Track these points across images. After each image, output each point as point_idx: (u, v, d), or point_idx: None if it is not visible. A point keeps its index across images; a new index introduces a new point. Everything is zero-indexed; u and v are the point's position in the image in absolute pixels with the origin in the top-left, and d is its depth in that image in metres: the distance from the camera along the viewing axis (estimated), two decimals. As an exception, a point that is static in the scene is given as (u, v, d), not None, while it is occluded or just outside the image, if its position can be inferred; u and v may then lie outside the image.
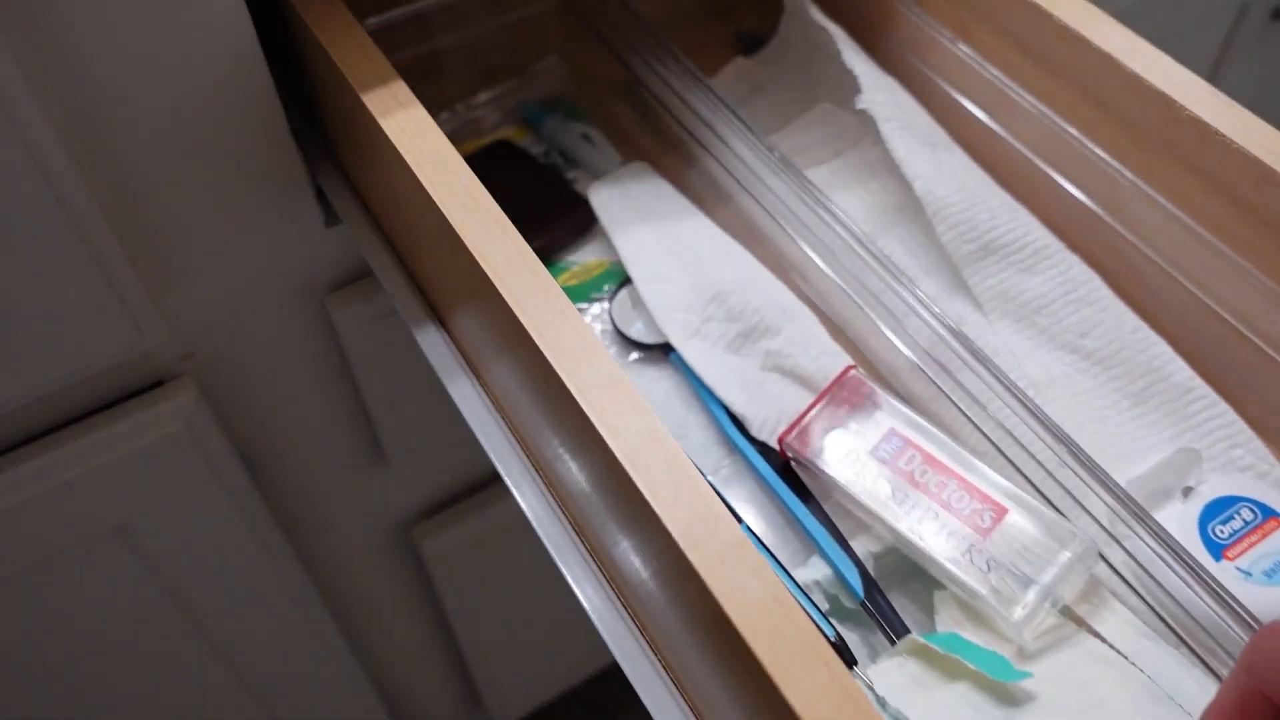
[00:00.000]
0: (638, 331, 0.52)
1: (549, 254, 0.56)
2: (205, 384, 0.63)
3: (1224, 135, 0.44)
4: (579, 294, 0.55)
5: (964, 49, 0.55)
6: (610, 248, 0.55)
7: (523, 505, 0.44)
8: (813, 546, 0.44)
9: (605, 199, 0.56)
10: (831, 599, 0.43)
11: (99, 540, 0.64)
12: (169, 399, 0.61)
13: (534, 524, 0.43)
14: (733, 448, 0.48)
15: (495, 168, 0.56)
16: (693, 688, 0.37)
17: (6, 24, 0.44)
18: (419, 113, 0.43)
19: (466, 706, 1.09)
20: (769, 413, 0.48)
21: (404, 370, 0.69)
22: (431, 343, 0.49)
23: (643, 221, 0.55)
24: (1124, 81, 0.47)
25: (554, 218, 0.56)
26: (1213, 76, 1.09)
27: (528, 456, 0.45)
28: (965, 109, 0.56)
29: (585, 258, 0.56)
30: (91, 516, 0.63)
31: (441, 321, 0.50)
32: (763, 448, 0.47)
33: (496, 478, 0.82)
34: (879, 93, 0.54)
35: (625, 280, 0.54)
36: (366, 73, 0.45)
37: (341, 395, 0.71)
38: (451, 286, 0.46)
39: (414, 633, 0.96)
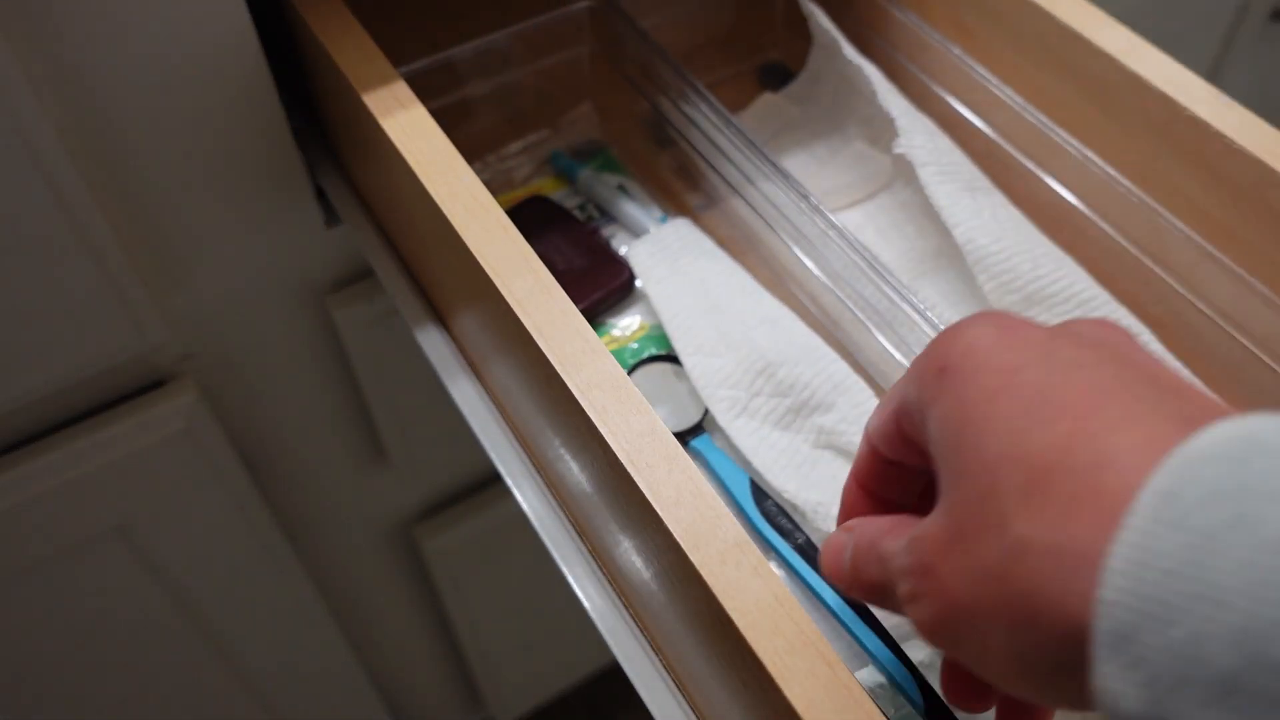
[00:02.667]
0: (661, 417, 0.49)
1: (589, 318, 0.52)
2: (206, 384, 0.63)
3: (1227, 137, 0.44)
4: (620, 360, 0.51)
5: (960, 52, 0.55)
6: (652, 310, 0.53)
7: (523, 505, 0.44)
8: (865, 653, 0.41)
9: (646, 261, 0.53)
10: (900, 706, 0.39)
11: (100, 540, 0.64)
12: (170, 399, 0.61)
13: (535, 524, 0.43)
14: (766, 543, 0.45)
15: (531, 225, 0.53)
16: (694, 687, 0.37)
17: (8, 25, 0.44)
18: (419, 113, 0.43)
19: (467, 706, 1.09)
20: (822, 497, 0.44)
21: (405, 370, 0.69)
22: (432, 343, 0.49)
23: (685, 286, 0.52)
24: (1125, 81, 0.47)
25: (594, 280, 0.53)
26: (1213, 76, 1.09)
27: (528, 456, 0.45)
28: (963, 116, 0.56)
29: (626, 319, 0.53)
30: (92, 516, 0.63)
31: (442, 321, 0.50)
32: (800, 547, 0.43)
33: (497, 478, 0.82)
34: (917, 136, 0.52)
35: (643, 360, 0.51)
36: (367, 73, 0.45)
37: (342, 395, 0.71)
38: (452, 287, 0.46)
39: (415, 632, 0.96)
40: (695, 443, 0.47)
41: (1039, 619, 0.23)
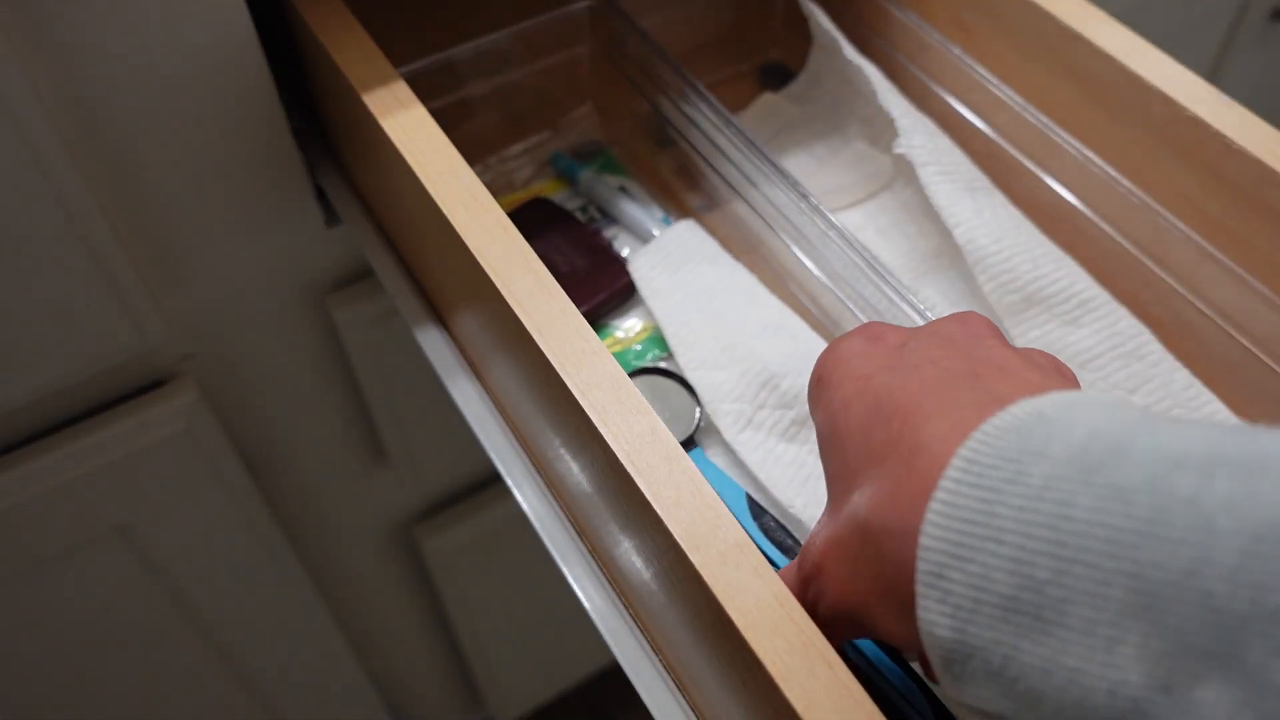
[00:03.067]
0: None
1: (592, 320, 0.52)
2: (206, 384, 0.63)
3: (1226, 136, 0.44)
4: (622, 363, 0.51)
5: (960, 52, 0.55)
6: (653, 316, 0.52)
7: (523, 505, 0.44)
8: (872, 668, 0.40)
9: (647, 273, 0.53)
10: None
11: (100, 540, 0.64)
12: (170, 399, 0.61)
13: (535, 524, 0.43)
14: (800, 535, 0.44)
15: (533, 227, 0.52)
16: (694, 688, 0.37)
17: (8, 25, 0.44)
18: (419, 113, 0.43)
19: (467, 706, 1.09)
20: None
21: (405, 370, 0.69)
22: (432, 343, 0.49)
23: (687, 297, 0.52)
24: (1125, 81, 0.47)
25: (596, 282, 0.53)
26: (1213, 76, 1.09)
27: (529, 457, 0.45)
28: (963, 116, 0.56)
29: (629, 321, 0.53)
30: (92, 516, 0.63)
31: (442, 322, 0.50)
32: None
33: (497, 478, 0.82)
34: (917, 136, 0.52)
35: (633, 373, 0.50)
36: (367, 73, 0.45)
37: (342, 395, 0.71)
38: (452, 286, 0.46)
39: (415, 632, 0.96)
40: (693, 454, 0.46)
41: (890, 592, 0.27)
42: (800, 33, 0.61)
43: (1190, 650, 0.20)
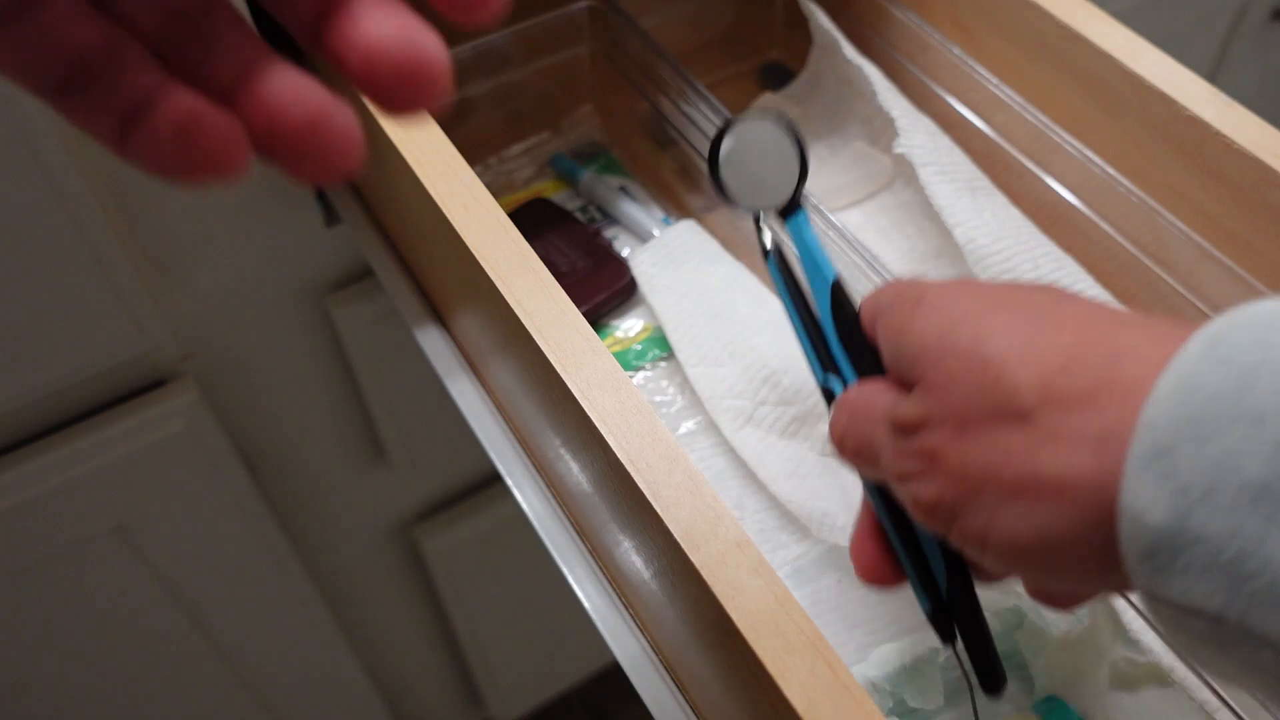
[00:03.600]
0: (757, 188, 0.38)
1: (592, 320, 0.52)
2: (206, 384, 0.63)
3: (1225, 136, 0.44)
4: (622, 363, 0.51)
5: (960, 52, 0.55)
6: (655, 312, 0.52)
7: (523, 505, 0.44)
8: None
9: (648, 270, 0.53)
10: (896, 700, 0.40)
11: (100, 540, 0.64)
12: (170, 399, 0.61)
13: (535, 524, 0.43)
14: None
15: (533, 227, 0.52)
16: (694, 687, 0.37)
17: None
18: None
19: (467, 705, 1.09)
20: (828, 507, 0.44)
21: (405, 370, 0.69)
22: (432, 342, 0.49)
23: (688, 294, 0.52)
24: (1125, 81, 0.47)
25: (597, 282, 0.53)
26: (1213, 76, 1.09)
27: (529, 456, 0.45)
28: (963, 116, 0.56)
29: (629, 321, 0.53)
30: (92, 516, 0.63)
31: (442, 321, 0.50)
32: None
33: (497, 478, 0.82)
34: (917, 135, 0.52)
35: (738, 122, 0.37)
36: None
37: (343, 395, 0.71)
38: (452, 286, 0.46)
39: (414, 631, 0.96)
40: (792, 223, 0.38)
41: (1063, 496, 0.25)
42: (800, 33, 0.61)
43: None
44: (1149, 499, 0.23)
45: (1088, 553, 0.25)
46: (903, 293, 0.32)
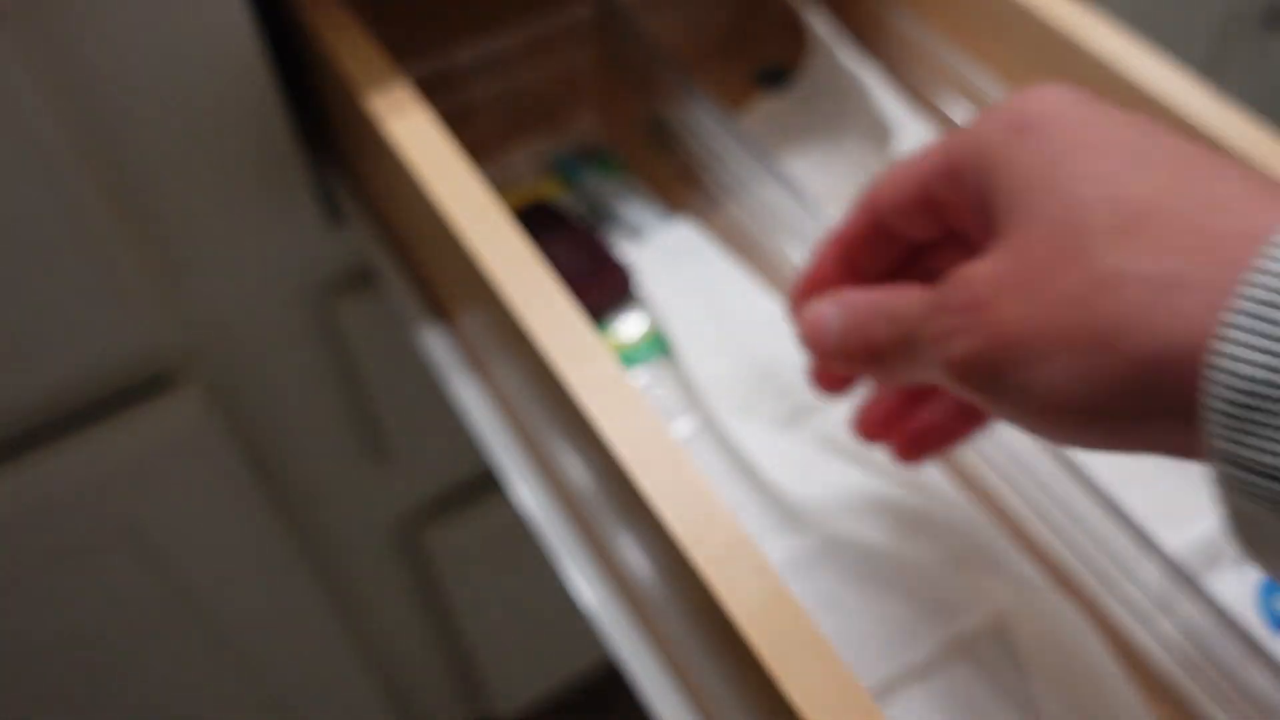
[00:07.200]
0: None
1: (591, 320, 0.53)
2: (211, 384, 0.63)
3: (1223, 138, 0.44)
4: (623, 362, 0.51)
5: (957, 55, 0.55)
6: (655, 312, 0.53)
7: (524, 504, 0.44)
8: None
9: (647, 266, 0.53)
10: None
11: (106, 541, 0.64)
12: (174, 399, 0.61)
13: (535, 523, 0.43)
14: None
15: (533, 230, 0.52)
16: (694, 686, 0.38)
17: (14, 25, 0.44)
18: (420, 114, 0.44)
19: (470, 700, 1.09)
20: (825, 494, 0.44)
21: (409, 368, 0.69)
22: (435, 342, 0.50)
23: (686, 290, 0.52)
24: (1123, 87, 0.47)
25: (597, 283, 0.53)
26: (1210, 79, 1.09)
27: (530, 456, 0.45)
28: (961, 120, 0.56)
29: (629, 322, 0.53)
30: (98, 517, 0.63)
31: (444, 321, 0.50)
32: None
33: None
34: (915, 138, 0.53)
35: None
36: (368, 74, 0.45)
37: (347, 394, 0.71)
38: (454, 286, 0.46)
39: (418, 627, 0.96)
40: None
41: (1122, 342, 0.24)
42: (799, 35, 0.62)
43: None
44: (1244, 351, 0.22)
45: (1141, 410, 0.24)
46: (1005, 114, 0.29)
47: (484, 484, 0.86)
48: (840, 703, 0.28)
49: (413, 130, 0.43)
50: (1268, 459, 0.22)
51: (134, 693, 0.77)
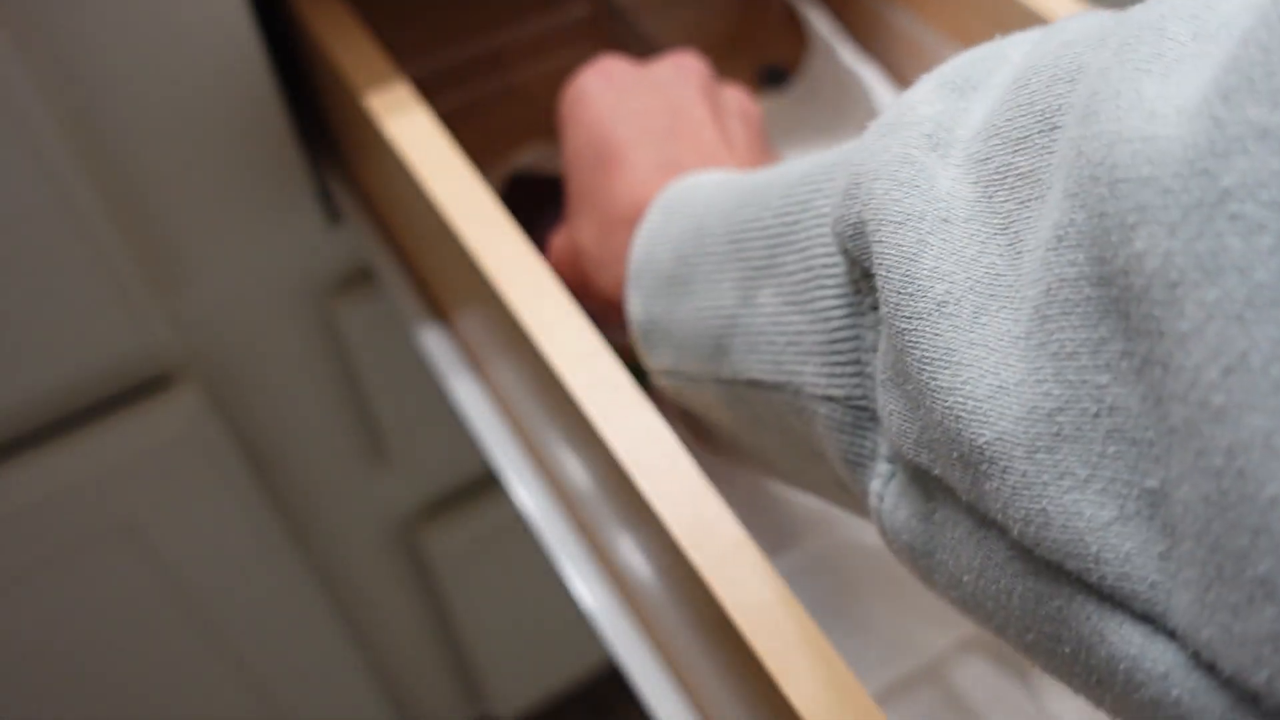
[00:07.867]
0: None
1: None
2: (209, 384, 0.63)
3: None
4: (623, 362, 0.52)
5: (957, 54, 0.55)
6: None
7: (523, 505, 0.44)
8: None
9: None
10: None
11: (103, 540, 0.64)
12: (173, 399, 0.61)
13: (534, 524, 0.43)
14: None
15: (524, 208, 0.52)
16: (694, 686, 0.38)
17: (11, 23, 0.44)
18: (420, 114, 0.44)
19: (470, 701, 1.09)
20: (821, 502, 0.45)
21: (408, 369, 0.69)
22: (434, 342, 0.49)
23: None
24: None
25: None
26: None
27: (529, 456, 0.45)
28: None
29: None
30: (96, 517, 0.63)
31: (443, 321, 0.50)
32: None
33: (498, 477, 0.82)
34: None
35: None
36: (367, 74, 0.45)
37: (345, 394, 0.71)
38: (453, 287, 0.46)
39: (418, 629, 0.96)
40: None
41: (594, 294, 0.40)
42: (799, 35, 0.62)
43: (756, 271, 0.30)
44: (632, 304, 0.36)
45: (617, 322, 0.39)
46: (561, 106, 0.43)
47: (483, 484, 0.86)
48: (841, 705, 0.28)
49: (411, 130, 0.43)
50: (661, 363, 0.36)
51: (132, 693, 0.77)
